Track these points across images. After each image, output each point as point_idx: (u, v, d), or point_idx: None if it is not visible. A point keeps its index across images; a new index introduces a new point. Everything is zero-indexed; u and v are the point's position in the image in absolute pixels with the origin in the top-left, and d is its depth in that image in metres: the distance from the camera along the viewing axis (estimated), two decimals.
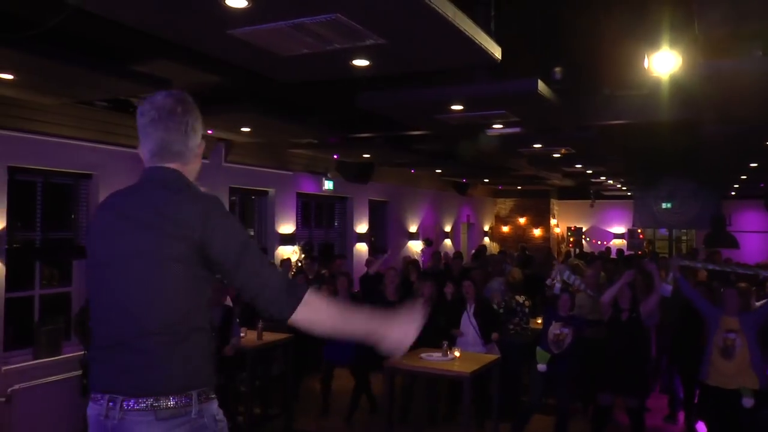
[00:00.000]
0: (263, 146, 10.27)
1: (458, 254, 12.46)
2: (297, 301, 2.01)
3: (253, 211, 11.46)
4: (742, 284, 7.13)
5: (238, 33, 4.20)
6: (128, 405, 1.97)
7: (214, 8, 3.73)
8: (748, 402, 5.70)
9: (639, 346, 6.37)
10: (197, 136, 2.23)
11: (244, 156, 10.27)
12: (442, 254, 12.88)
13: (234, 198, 10.71)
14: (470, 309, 7.45)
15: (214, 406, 2.12)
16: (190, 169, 2.25)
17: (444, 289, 7.92)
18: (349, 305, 2.15)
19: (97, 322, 2.11)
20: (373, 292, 8.42)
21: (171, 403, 1.98)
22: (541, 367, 6.73)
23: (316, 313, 2.05)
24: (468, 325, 7.39)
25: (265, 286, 2.02)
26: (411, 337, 2.10)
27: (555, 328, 6.78)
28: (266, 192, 11.34)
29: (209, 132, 8.68)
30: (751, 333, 5.82)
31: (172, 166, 2.18)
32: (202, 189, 2.29)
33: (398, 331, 2.09)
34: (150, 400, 1.97)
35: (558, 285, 7.67)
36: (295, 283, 2.10)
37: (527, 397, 7.60)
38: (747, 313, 6.12)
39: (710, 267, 7.76)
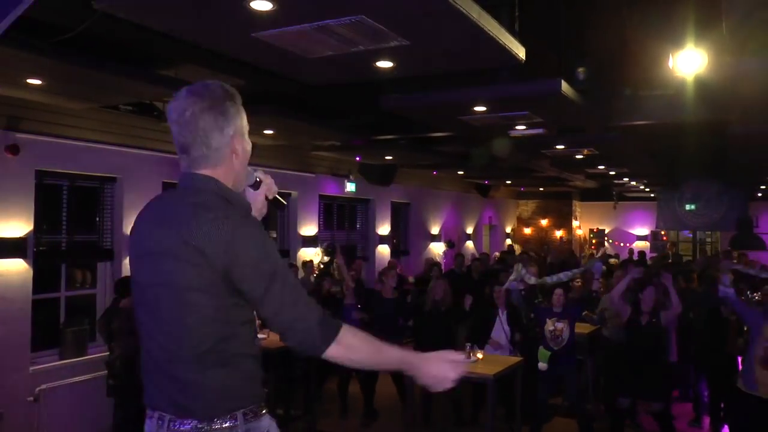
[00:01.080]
0: (286, 149, 10.31)
1: (483, 256, 12.45)
2: (331, 339, 1.92)
3: (275, 213, 11.47)
4: None
5: (263, 35, 4.22)
6: (174, 426, 1.94)
7: (239, 11, 3.76)
8: None
9: (659, 351, 6.29)
10: (225, 132, 2.00)
11: (267, 158, 10.31)
12: (464, 257, 12.85)
13: None
14: (503, 315, 7.41)
15: (264, 421, 2.07)
16: (226, 170, 2.04)
17: (464, 299, 7.89)
18: (382, 340, 2.06)
19: (140, 335, 2.06)
20: (371, 292, 8.44)
21: (216, 426, 1.93)
22: (542, 365, 6.69)
23: (350, 350, 1.97)
24: (500, 331, 7.36)
25: (296, 320, 1.92)
26: (451, 375, 2.09)
27: (550, 325, 6.76)
28: (289, 194, 11.38)
29: None
30: None
31: (204, 172, 2.01)
32: (257, 177, 2.25)
33: (436, 367, 2.08)
34: (194, 422, 1.93)
35: (513, 283, 7.87)
36: (329, 319, 1.97)
37: (557, 400, 7.57)
38: None
39: (764, 275, 7.55)
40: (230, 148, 2.03)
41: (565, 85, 5.89)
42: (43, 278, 7.29)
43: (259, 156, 10.08)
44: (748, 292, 8.33)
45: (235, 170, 2.07)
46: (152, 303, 1.97)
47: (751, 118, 7.52)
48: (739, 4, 4.06)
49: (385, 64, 4.95)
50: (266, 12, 3.76)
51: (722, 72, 5.59)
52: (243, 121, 2.07)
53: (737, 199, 16.96)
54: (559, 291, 6.94)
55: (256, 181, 2.26)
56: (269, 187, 2.33)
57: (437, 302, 7.65)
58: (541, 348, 6.80)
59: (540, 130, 8.07)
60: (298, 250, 11.32)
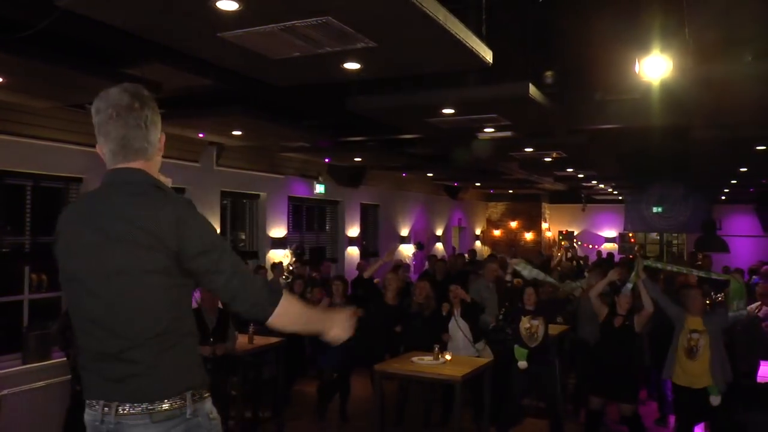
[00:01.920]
0: (255, 150, 10.26)
1: (459, 256, 12.53)
2: (277, 301, 2.06)
3: (244, 214, 11.42)
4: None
5: (229, 36, 4.19)
6: (123, 410, 1.97)
7: (205, 11, 3.73)
8: (715, 400, 5.80)
9: (630, 353, 6.37)
10: (157, 129, 2.17)
11: (236, 160, 10.26)
12: (438, 257, 12.88)
13: (226, 201, 10.68)
14: (456, 313, 7.40)
15: (207, 405, 2.11)
16: (154, 164, 2.19)
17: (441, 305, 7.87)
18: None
19: (80, 333, 2.08)
20: (373, 297, 8.35)
21: (165, 405, 1.98)
22: (522, 364, 6.73)
23: (290, 314, 2.13)
24: (456, 329, 7.34)
25: (245, 284, 2.04)
26: (348, 332, 2.30)
27: (525, 323, 6.80)
28: (258, 196, 11.32)
29: (200, 135, 8.66)
30: (715, 333, 5.91)
31: (135, 165, 2.12)
32: (166, 179, 2.27)
33: (339, 327, 2.29)
34: (145, 404, 1.97)
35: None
36: (273, 285, 2.14)
37: (528, 401, 7.61)
38: (711, 314, 6.23)
39: (669, 268, 7.84)
40: (159, 144, 2.20)
41: (532, 89, 5.93)
42: (5, 281, 7.16)
43: (228, 157, 10.01)
44: (712, 293, 8.46)
45: (157, 165, 2.22)
46: (106, 292, 1.99)
47: (714, 123, 7.65)
48: (701, 10, 4.13)
49: (352, 65, 4.94)
50: (232, 12, 3.73)
51: (687, 77, 5.68)
52: (160, 119, 2.22)
53: (702, 202, 17.26)
54: (530, 290, 6.97)
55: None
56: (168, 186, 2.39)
57: (420, 304, 7.66)
58: (517, 347, 6.83)
59: (508, 133, 8.12)
60: (267, 252, 11.26)
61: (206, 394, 2.12)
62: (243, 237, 11.52)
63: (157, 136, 2.16)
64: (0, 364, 6.93)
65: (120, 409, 1.98)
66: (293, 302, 2.16)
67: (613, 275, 6.96)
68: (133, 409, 1.97)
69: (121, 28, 4.22)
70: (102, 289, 2.00)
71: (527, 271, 7.87)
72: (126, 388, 1.98)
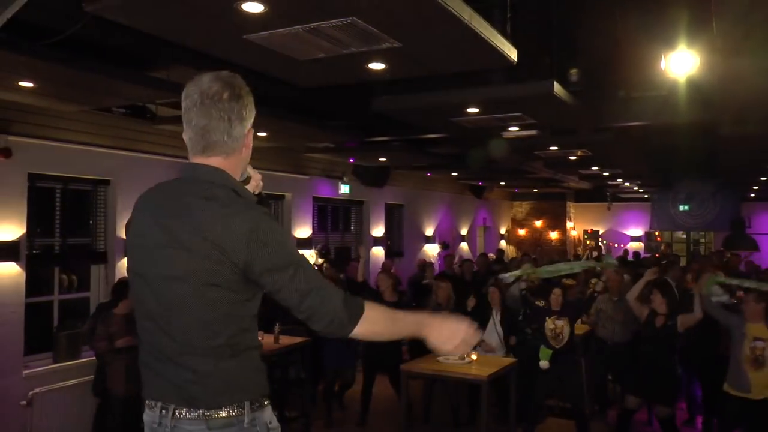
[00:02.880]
0: (280, 151, 10.31)
1: (481, 257, 12.48)
2: (358, 318, 1.97)
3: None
4: None
5: (255, 38, 4.22)
6: (180, 414, 1.94)
7: (231, 13, 3.76)
8: None
9: (671, 354, 6.28)
10: (244, 124, 2.03)
11: (261, 160, 10.31)
12: (456, 257, 12.84)
13: None
14: (496, 317, 7.42)
15: (267, 413, 2.07)
16: (235, 162, 2.06)
17: (466, 301, 7.86)
18: (396, 309, 2.15)
19: (141, 329, 2.04)
20: (371, 297, 8.36)
21: (223, 413, 1.94)
22: (544, 364, 6.70)
23: (374, 324, 2.04)
24: (493, 332, 7.37)
25: (323, 304, 1.93)
26: (460, 335, 2.09)
27: (550, 323, 6.78)
28: (283, 196, 11.37)
29: None
30: None
31: (214, 162, 2.01)
32: (254, 174, 2.27)
33: (447, 329, 2.10)
34: (201, 410, 1.93)
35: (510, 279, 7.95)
36: (352, 298, 2.00)
37: (552, 401, 7.57)
38: None
39: (747, 285, 7.45)
40: (245, 140, 2.07)
41: (557, 87, 5.89)
42: (36, 282, 7.27)
43: (253, 158, 10.06)
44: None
45: (242, 163, 2.12)
46: (165, 295, 1.93)
47: (743, 119, 7.55)
48: (729, 5, 4.08)
49: (377, 65, 4.95)
50: (257, 14, 3.76)
51: (714, 73, 5.61)
52: (253, 116, 2.09)
53: (730, 200, 17.04)
54: (557, 291, 6.95)
55: (247, 176, 2.27)
56: (257, 182, 2.33)
57: (440, 305, 7.66)
58: (542, 347, 6.81)
59: (533, 132, 8.09)
60: None
61: (266, 402, 2.07)
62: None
63: (242, 131, 2.04)
64: (31, 363, 7.05)
65: (177, 412, 1.94)
66: (376, 315, 2.04)
67: (649, 275, 6.87)
68: (190, 414, 1.93)
69: (147, 32, 4.27)
70: (162, 290, 1.94)
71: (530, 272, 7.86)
72: (183, 393, 1.94)
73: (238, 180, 2.09)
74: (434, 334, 2.09)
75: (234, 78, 2.01)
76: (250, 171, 2.26)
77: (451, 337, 2.09)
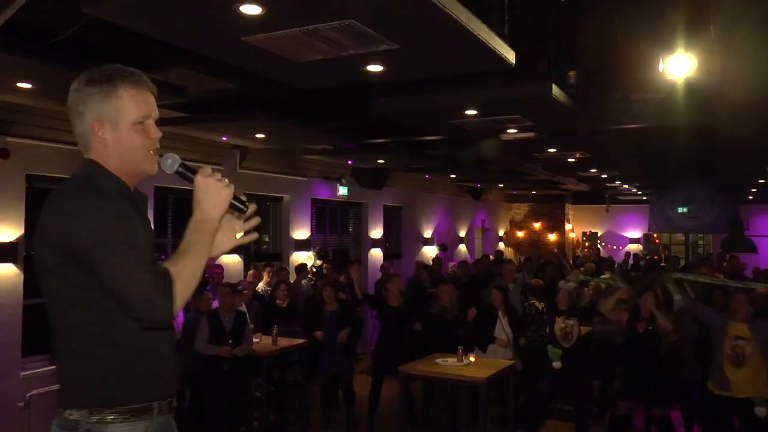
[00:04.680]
0: (278, 153, 10.31)
1: (484, 258, 12.51)
2: (170, 300, 1.79)
3: (268, 217, 11.48)
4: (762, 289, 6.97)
5: (253, 39, 4.23)
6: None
7: (229, 16, 3.76)
8: (761, 411, 5.53)
9: (658, 357, 6.27)
10: (82, 119, 1.93)
11: (259, 162, 10.32)
12: (453, 261, 12.86)
13: None
14: (503, 318, 7.44)
15: (111, 430, 1.88)
16: (99, 158, 1.96)
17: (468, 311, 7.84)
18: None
19: None
20: (376, 302, 8.34)
21: (66, 414, 1.92)
22: (557, 364, 6.71)
23: (182, 294, 1.83)
24: (501, 333, 7.39)
25: (125, 290, 1.76)
26: (225, 195, 1.92)
27: (560, 323, 6.79)
28: (281, 198, 11.38)
29: (224, 138, 8.73)
30: (763, 339, 5.63)
31: (90, 157, 1.98)
32: (177, 167, 1.97)
33: (212, 201, 1.92)
34: (61, 410, 1.94)
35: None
36: (160, 280, 1.80)
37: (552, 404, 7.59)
38: (759, 319, 5.86)
39: (701, 280, 7.58)
40: (93, 135, 1.94)
41: (555, 89, 5.90)
42: (34, 283, 7.26)
43: (251, 160, 10.08)
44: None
45: (111, 159, 1.96)
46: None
47: (740, 122, 7.56)
48: (726, 9, 4.09)
49: (375, 67, 4.96)
50: (256, 16, 3.76)
51: (712, 76, 5.62)
52: (113, 107, 1.91)
53: (728, 202, 17.04)
54: (563, 291, 6.99)
55: (178, 170, 1.97)
56: (206, 179, 1.94)
57: (445, 308, 7.67)
58: (550, 347, 6.83)
59: (531, 134, 8.10)
60: (291, 254, 11.31)
61: (110, 417, 1.86)
62: (266, 239, 11.58)
63: (84, 127, 1.95)
64: (29, 365, 7.04)
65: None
66: (177, 284, 1.83)
67: (622, 294, 6.89)
68: (57, 414, 1.96)
69: (146, 34, 4.28)
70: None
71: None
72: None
73: (120, 172, 1.98)
74: (208, 216, 1.92)
75: (83, 74, 1.95)
76: (201, 172, 1.96)
77: (218, 202, 1.92)
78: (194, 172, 1.94)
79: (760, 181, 14.57)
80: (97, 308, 1.84)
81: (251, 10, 3.66)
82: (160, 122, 6.87)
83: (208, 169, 1.94)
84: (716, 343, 5.85)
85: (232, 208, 1.99)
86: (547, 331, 7.11)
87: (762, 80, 5.71)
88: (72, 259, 1.79)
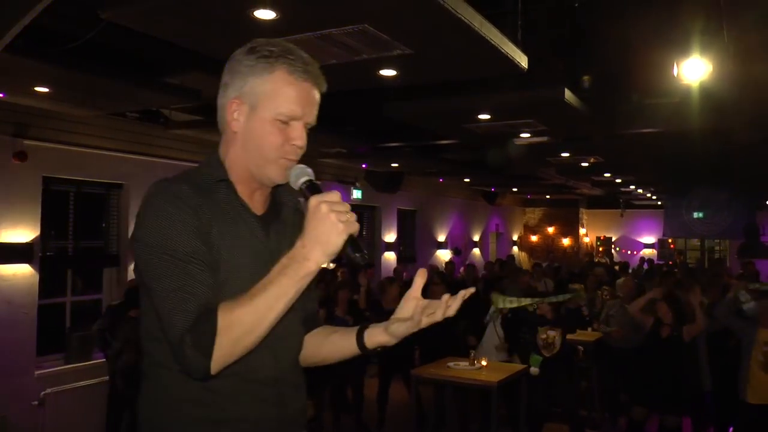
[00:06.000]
0: None
1: (488, 264, 12.48)
2: (205, 356, 1.39)
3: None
4: None
5: None
6: None
7: (243, 20, 3.80)
8: None
9: (679, 364, 6.24)
10: (225, 90, 1.60)
11: None
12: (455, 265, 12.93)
13: None
14: (496, 320, 7.42)
15: None
16: (225, 143, 1.64)
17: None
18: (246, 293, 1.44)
19: None
20: (371, 305, 8.33)
21: None
22: (534, 370, 6.71)
23: (231, 349, 1.41)
24: (493, 334, 7.38)
25: (163, 323, 1.44)
26: (339, 234, 1.44)
27: (542, 333, 6.78)
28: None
29: None
30: None
31: (220, 142, 1.68)
32: (302, 183, 1.58)
33: (317, 239, 1.44)
34: None
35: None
36: (201, 325, 1.39)
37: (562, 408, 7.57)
38: None
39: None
40: (227, 112, 1.60)
41: (568, 93, 5.90)
42: (49, 283, 7.35)
43: None
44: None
45: (236, 147, 1.61)
46: None
47: (756, 126, 7.51)
48: (740, 13, 4.08)
49: (389, 72, 4.98)
50: (270, 21, 3.79)
51: (727, 80, 5.60)
52: (260, 88, 1.56)
53: (745, 207, 16.90)
54: (543, 305, 6.94)
55: (300, 188, 1.58)
56: (321, 206, 1.45)
57: None
58: (532, 354, 6.83)
59: (545, 138, 8.09)
60: None
61: None
62: None
63: (222, 100, 1.61)
64: (44, 364, 7.11)
65: None
66: (229, 327, 1.40)
67: (656, 293, 6.83)
68: None
69: (161, 39, 4.32)
70: None
71: (504, 303, 7.72)
72: None
73: (242, 170, 1.62)
74: (311, 259, 1.44)
75: (251, 43, 1.61)
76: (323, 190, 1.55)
77: (326, 244, 1.44)
78: (318, 193, 1.51)
79: None
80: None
81: (266, 14, 3.69)
82: (174, 125, 6.96)
83: (334, 194, 1.49)
84: (745, 350, 5.80)
85: (344, 254, 1.49)
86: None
87: None
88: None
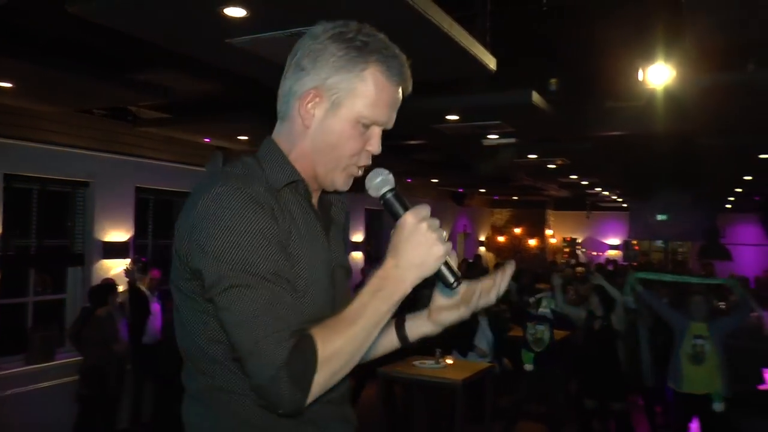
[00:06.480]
0: None
1: (463, 262, 12.54)
2: (304, 393, 1.22)
3: None
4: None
5: (237, 42, 4.24)
6: None
7: (214, 18, 3.77)
8: (718, 406, 5.77)
9: (615, 353, 6.43)
10: (299, 78, 1.39)
11: None
12: None
13: None
14: (483, 321, 7.50)
15: None
16: (288, 134, 1.44)
17: None
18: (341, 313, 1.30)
19: None
20: None
21: None
22: (528, 366, 6.83)
23: (325, 383, 1.26)
24: (483, 337, 7.45)
25: (244, 351, 1.22)
26: (436, 255, 1.32)
27: (531, 328, 6.93)
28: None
29: (206, 140, 8.72)
30: (719, 338, 5.92)
31: (275, 129, 1.48)
32: (385, 191, 1.45)
33: (412, 255, 1.32)
34: None
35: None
36: (298, 357, 1.21)
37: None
38: (716, 320, 6.19)
39: (667, 279, 7.88)
40: (301, 102, 1.39)
41: (536, 96, 5.97)
42: (10, 283, 7.22)
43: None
44: (714, 300, 8.48)
45: (303, 143, 1.42)
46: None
47: (717, 131, 7.68)
48: (701, 20, 4.16)
49: None
50: (240, 18, 3.78)
51: (689, 85, 5.72)
52: (348, 84, 1.38)
53: (706, 210, 17.25)
54: (532, 300, 7.11)
55: (385, 196, 1.45)
56: (418, 224, 1.36)
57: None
58: (523, 350, 6.97)
59: (512, 140, 8.16)
60: None
61: None
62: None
63: (295, 86, 1.40)
64: (4, 365, 6.98)
65: None
66: (333, 345, 1.25)
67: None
68: None
69: (130, 35, 4.28)
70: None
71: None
72: None
73: (305, 167, 1.44)
74: (408, 276, 1.32)
75: (326, 25, 1.43)
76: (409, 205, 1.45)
77: (425, 260, 1.32)
78: (406, 206, 1.41)
79: (737, 189, 14.77)
80: (216, 338, 1.34)
81: (236, 12, 3.68)
82: (143, 123, 6.89)
83: (426, 208, 1.37)
84: (677, 341, 6.07)
85: (437, 277, 1.37)
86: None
87: (738, 90, 5.81)
88: (197, 274, 1.29)
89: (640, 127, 7.46)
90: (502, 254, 20.75)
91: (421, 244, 1.31)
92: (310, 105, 1.38)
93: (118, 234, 8.05)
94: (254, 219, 1.25)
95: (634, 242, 21.15)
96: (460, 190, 17.92)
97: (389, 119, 1.47)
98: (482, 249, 21.04)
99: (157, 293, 7.67)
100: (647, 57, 5.56)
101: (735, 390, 5.97)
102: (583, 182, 14.54)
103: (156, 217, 8.96)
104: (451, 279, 1.36)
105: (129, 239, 8.17)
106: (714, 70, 5.49)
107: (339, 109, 1.38)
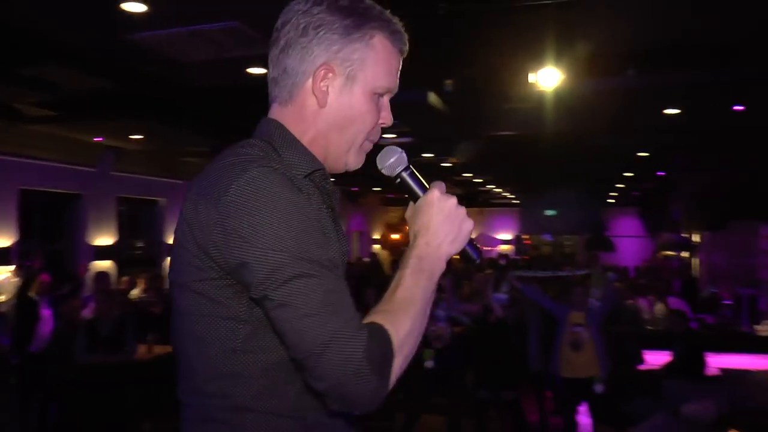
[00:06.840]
0: (154, 154, 10.02)
1: (358, 260, 12.57)
2: (386, 383, 1.13)
3: (143, 221, 11.14)
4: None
5: (136, 38, 4.14)
6: None
7: (110, 12, 3.68)
8: (599, 388, 6.13)
9: (506, 344, 6.72)
10: (302, 54, 1.26)
11: (134, 165, 9.97)
12: None
13: (123, 208, 10.37)
14: None
15: None
16: (296, 114, 1.29)
17: None
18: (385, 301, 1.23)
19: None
20: None
21: None
22: (428, 363, 6.97)
23: (397, 372, 1.16)
24: None
25: (323, 352, 1.07)
26: (466, 230, 1.34)
27: (431, 325, 7.09)
28: (156, 201, 11.06)
29: (99, 139, 8.41)
30: (595, 325, 6.31)
31: (272, 111, 1.33)
32: (400, 170, 1.37)
33: (445, 237, 1.31)
34: None
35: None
36: (376, 347, 1.11)
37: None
38: (591, 308, 6.57)
39: (540, 275, 8.37)
40: (314, 81, 1.27)
41: (432, 96, 6.09)
42: None
43: (126, 162, 9.75)
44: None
45: (315, 126, 1.30)
46: (175, 318, 1.28)
47: (602, 131, 8.09)
48: (587, 27, 4.40)
49: (257, 70, 4.97)
50: (139, 14, 3.70)
51: (577, 88, 6.01)
52: (360, 54, 1.27)
53: (592, 205, 18.10)
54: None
55: (401, 175, 1.39)
56: (444, 200, 1.35)
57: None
58: (424, 348, 7.07)
59: (408, 139, 8.30)
60: (165, 260, 11.02)
61: None
62: (140, 244, 11.24)
63: (302, 66, 1.26)
64: None
65: None
66: (398, 344, 1.16)
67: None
68: None
69: (15, 27, 4.10)
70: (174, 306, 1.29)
71: None
72: None
73: (315, 147, 1.30)
74: (443, 250, 1.30)
75: None
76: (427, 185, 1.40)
77: (456, 235, 1.32)
78: (424, 185, 1.37)
79: (619, 185, 15.59)
80: (254, 351, 1.19)
81: (135, 7, 3.60)
82: (27, 120, 6.62)
83: (442, 185, 1.35)
84: (559, 330, 6.44)
85: (461, 253, 1.36)
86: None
87: (620, 92, 6.16)
88: (234, 279, 1.15)
89: (530, 128, 7.75)
90: (396, 252, 21.01)
91: (452, 220, 1.31)
92: (322, 83, 1.26)
93: None
94: (300, 203, 1.14)
95: (525, 237, 21.90)
96: (355, 189, 18.00)
97: (397, 86, 1.38)
98: (377, 247, 21.22)
99: (47, 298, 7.32)
100: (539, 61, 5.78)
101: (618, 372, 6.38)
102: (477, 180, 14.92)
103: (44, 220, 8.57)
104: (475, 254, 1.38)
105: (12, 244, 7.76)
106: (599, 75, 5.81)
107: (354, 82, 1.28)
